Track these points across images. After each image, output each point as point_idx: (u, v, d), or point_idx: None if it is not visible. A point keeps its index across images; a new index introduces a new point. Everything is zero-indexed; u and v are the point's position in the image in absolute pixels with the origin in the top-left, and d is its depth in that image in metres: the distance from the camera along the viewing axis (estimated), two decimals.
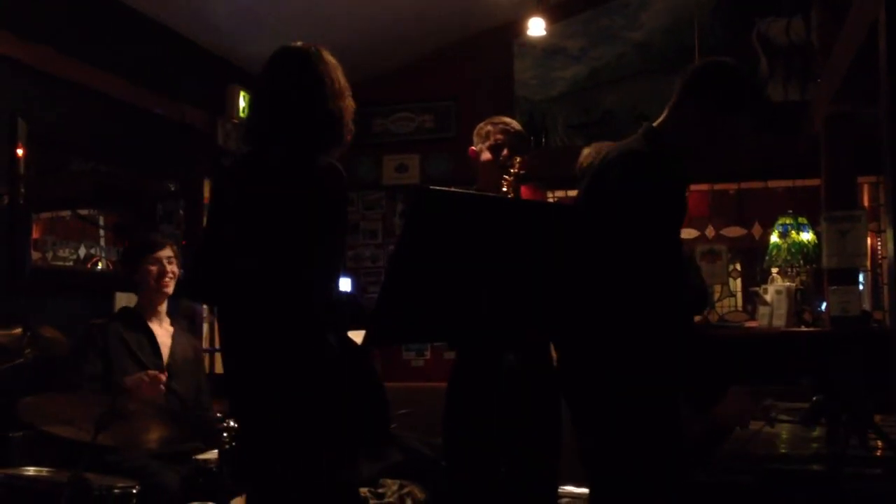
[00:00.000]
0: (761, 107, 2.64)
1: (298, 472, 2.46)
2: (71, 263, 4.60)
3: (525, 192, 3.36)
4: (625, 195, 2.46)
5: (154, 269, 3.89)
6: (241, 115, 5.72)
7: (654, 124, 2.63)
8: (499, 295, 2.39)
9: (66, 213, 4.67)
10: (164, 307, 3.99)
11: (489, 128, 3.42)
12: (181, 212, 5.49)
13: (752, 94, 2.61)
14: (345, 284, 6.60)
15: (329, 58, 2.63)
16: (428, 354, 6.77)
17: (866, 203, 6.36)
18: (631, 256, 2.41)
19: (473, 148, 3.46)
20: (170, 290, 3.95)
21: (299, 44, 2.63)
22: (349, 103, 2.62)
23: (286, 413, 2.46)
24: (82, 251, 4.68)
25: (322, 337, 2.46)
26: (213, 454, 3.39)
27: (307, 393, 2.44)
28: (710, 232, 6.70)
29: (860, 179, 5.78)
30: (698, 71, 2.62)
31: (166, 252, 3.94)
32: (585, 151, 3.95)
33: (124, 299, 4.63)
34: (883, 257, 6.03)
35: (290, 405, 2.45)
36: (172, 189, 5.44)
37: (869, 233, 5.77)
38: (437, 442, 3.77)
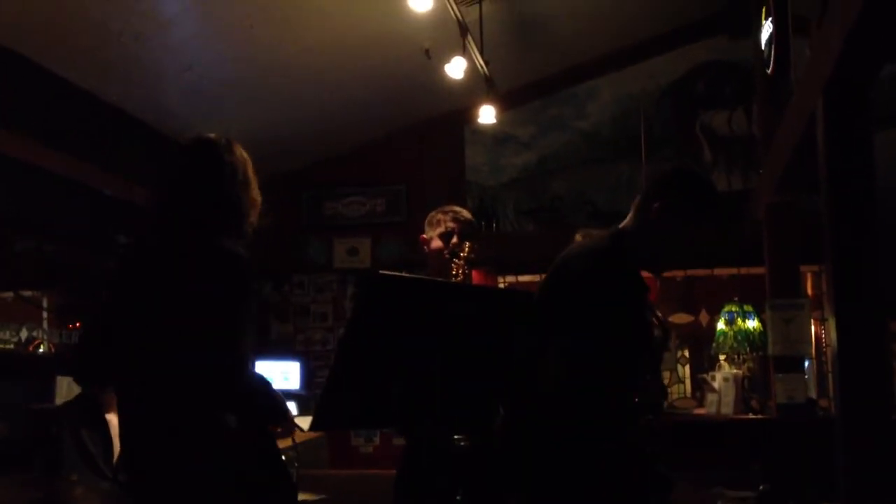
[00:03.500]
0: (723, 215, 2.65)
1: None
2: (12, 346, 4.50)
3: (476, 276, 3.38)
4: (584, 291, 2.47)
5: None
6: None
7: (620, 226, 2.64)
8: (449, 380, 2.38)
9: (9, 295, 4.59)
10: None
11: (440, 216, 3.45)
12: None
13: (715, 202, 2.61)
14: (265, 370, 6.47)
15: (239, 150, 2.65)
16: (377, 440, 6.68)
17: (809, 291, 6.48)
18: (581, 353, 2.41)
19: (424, 235, 3.48)
20: None
21: (212, 135, 2.65)
22: (255, 196, 2.61)
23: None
24: (24, 334, 4.58)
25: (218, 425, 2.39)
26: None
27: (197, 479, 2.36)
28: None
29: (803, 268, 5.89)
30: (665, 176, 2.64)
31: None
32: (577, 237, 3.99)
33: (66, 383, 4.52)
34: (826, 345, 6.11)
35: (180, 491, 2.38)
36: None
37: (813, 321, 5.86)
38: None
